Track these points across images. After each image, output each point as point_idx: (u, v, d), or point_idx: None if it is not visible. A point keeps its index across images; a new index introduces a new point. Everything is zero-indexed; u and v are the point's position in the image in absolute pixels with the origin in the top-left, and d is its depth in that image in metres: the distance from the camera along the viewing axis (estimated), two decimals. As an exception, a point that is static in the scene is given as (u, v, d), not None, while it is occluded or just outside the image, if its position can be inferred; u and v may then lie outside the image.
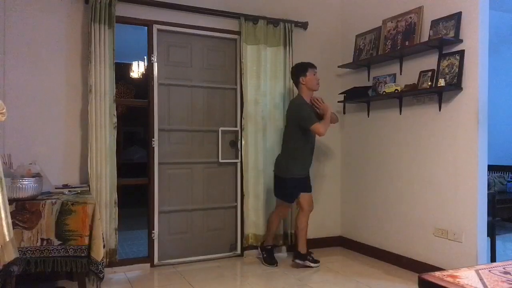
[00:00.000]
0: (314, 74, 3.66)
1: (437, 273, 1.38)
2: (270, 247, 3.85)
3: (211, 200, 4.00)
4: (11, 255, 1.94)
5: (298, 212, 3.78)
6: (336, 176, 4.49)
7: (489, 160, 3.24)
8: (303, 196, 3.69)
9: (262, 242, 3.92)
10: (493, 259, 3.43)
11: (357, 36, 4.21)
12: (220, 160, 3.97)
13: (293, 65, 3.85)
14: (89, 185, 3.29)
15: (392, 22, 3.79)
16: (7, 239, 1.89)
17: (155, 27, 3.71)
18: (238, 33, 3.99)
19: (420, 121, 3.54)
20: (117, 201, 3.43)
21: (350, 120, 4.35)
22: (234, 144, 4.04)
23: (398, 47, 3.64)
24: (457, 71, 3.17)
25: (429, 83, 3.33)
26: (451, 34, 3.20)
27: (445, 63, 3.28)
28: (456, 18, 3.20)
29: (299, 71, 3.66)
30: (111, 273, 3.45)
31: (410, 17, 3.60)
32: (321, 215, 4.37)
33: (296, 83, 3.72)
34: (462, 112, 3.19)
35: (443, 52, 3.32)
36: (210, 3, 3.88)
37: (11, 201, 2.38)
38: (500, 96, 5.10)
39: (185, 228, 3.89)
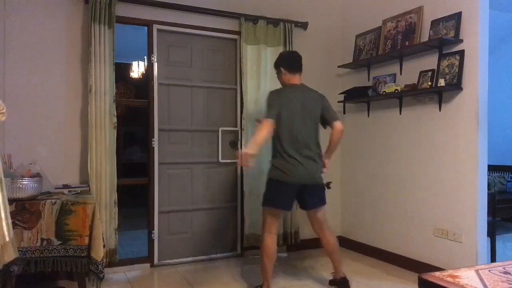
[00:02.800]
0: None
1: (437, 273, 1.38)
2: None
3: (211, 200, 4.00)
4: (11, 255, 1.94)
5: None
6: (336, 176, 4.49)
7: (489, 160, 3.24)
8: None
9: None
10: (493, 259, 3.43)
11: (357, 36, 4.21)
12: (220, 160, 3.97)
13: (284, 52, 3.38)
14: (89, 185, 3.29)
15: (392, 22, 3.78)
16: (7, 239, 1.89)
17: (155, 27, 3.71)
18: (238, 33, 3.99)
19: (420, 121, 3.54)
20: (117, 201, 3.43)
21: (350, 120, 4.35)
22: (234, 144, 4.04)
23: (398, 47, 3.64)
24: (457, 71, 3.17)
25: (429, 83, 3.33)
26: (451, 34, 3.20)
27: (445, 63, 3.28)
28: (456, 18, 3.20)
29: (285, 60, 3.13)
30: (111, 273, 3.45)
31: (410, 17, 3.59)
32: (321, 215, 4.37)
33: (278, 72, 3.16)
34: (462, 112, 3.19)
35: (443, 52, 3.32)
36: (210, 3, 3.88)
37: (11, 201, 2.38)
38: (500, 96, 5.11)
39: (185, 228, 3.89)
